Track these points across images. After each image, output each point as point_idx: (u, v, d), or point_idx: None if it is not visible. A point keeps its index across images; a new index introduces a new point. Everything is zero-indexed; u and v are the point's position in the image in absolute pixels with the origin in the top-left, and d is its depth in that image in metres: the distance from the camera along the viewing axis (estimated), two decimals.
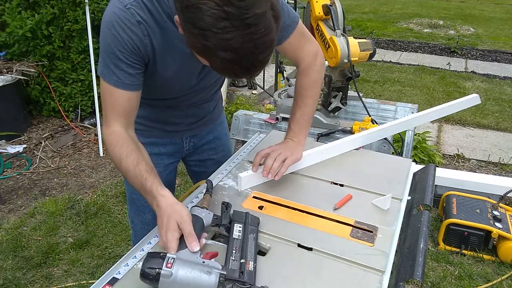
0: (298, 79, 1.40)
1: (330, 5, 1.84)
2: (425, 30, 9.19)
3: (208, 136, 1.57)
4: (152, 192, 1.04)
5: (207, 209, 1.07)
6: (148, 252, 0.91)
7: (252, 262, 0.94)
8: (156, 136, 1.44)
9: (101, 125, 3.61)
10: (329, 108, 1.98)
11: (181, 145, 1.51)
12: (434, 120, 4.61)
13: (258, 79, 4.92)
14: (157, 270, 0.85)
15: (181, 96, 1.34)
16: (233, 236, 1.01)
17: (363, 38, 2.29)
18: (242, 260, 0.94)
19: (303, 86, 1.38)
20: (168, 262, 0.86)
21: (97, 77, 3.77)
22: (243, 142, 2.02)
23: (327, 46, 1.88)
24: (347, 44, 1.84)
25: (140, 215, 1.52)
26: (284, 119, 2.04)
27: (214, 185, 1.29)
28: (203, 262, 0.90)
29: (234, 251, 0.97)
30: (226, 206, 1.10)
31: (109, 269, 0.97)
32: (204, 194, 1.17)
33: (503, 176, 3.41)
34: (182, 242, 0.95)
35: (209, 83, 1.38)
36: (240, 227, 1.04)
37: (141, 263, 0.97)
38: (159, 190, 1.04)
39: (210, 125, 1.55)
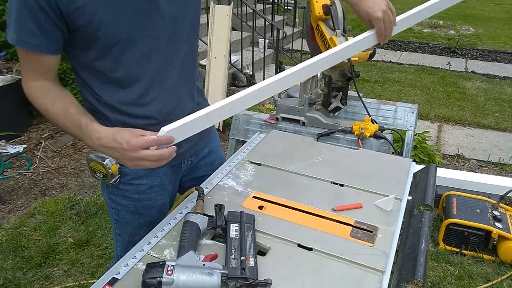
0: None
1: (330, 5, 1.84)
2: (425, 30, 9.19)
3: (203, 151, 1.46)
4: (88, 127, 1.04)
5: (201, 214, 1.08)
6: (147, 263, 0.91)
7: (253, 258, 0.95)
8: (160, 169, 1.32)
9: None
10: (329, 108, 1.97)
11: (179, 168, 1.40)
12: (434, 120, 4.61)
13: (258, 79, 4.91)
14: (158, 279, 0.85)
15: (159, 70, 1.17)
16: (231, 236, 1.02)
17: None
18: (242, 258, 0.95)
19: None
20: (168, 269, 0.86)
21: None
22: (243, 142, 2.02)
23: (327, 46, 1.88)
24: None
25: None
26: (284, 119, 2.03)
27: (214, 185, 1.29)
28: (203, 264, 0.90)
29: (233, 250, 0.97)
30: (219, 207, 1.11)
31: (109, 269, 0.97)
32: (197, 200, 1.17)
33: (503, 176, 3.41)
34: (180, 250, 0.95)
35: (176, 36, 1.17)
36: (236, 226, 1.05)
37: (141, 263, 0.97)
38: (96, 126, 1.05)
39: (205, 138, 1.44)
